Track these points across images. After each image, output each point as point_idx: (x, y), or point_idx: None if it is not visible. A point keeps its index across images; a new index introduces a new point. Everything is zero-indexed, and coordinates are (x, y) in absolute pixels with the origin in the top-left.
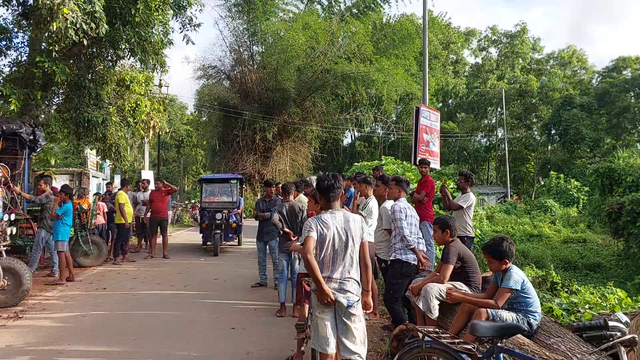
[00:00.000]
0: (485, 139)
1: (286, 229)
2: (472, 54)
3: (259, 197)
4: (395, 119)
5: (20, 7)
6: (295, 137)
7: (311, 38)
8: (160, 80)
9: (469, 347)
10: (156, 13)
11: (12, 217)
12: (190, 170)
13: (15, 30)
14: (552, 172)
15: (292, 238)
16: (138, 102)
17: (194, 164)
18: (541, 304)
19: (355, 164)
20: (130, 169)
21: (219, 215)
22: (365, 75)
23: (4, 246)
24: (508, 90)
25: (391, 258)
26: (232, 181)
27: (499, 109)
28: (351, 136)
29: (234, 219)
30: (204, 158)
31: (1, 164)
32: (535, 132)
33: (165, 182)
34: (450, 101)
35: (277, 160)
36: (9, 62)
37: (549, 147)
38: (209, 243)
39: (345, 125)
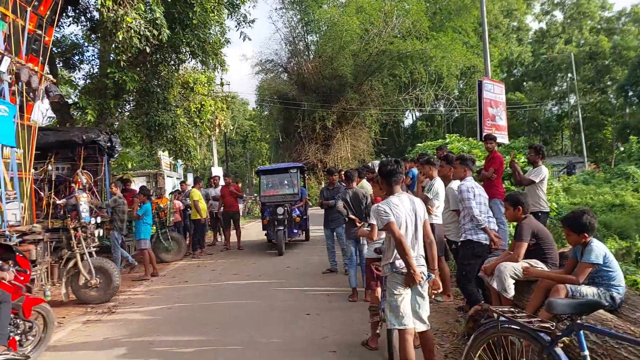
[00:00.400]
0: (556, 107)
1: (351, 216)
2: (536, 18)
3: (323, 186)
4: (457, 94)
5: (88, 23)
6: (355, 123)
7: (365, 21)
8: (222, 79)
9: (547, 325)
10: (212, 14)
11: (99, 220)
12: (256, 164)
13: (86, 44)
14: (631, 136)
15: (358, 224)
16: (202, 103)
17: (260, 158)
18: (625, 276)
19: (418, 144)
20: (200, 166)
21: (280, 210)
22: (423, 53)
23: (93, 247)
24: (577, 53)
25: (461, 239)
26: (292, 171)
27: (569, 75)
28: (412, 117)
29: (298, 212)
30: (269, 151)
31: (85, 171)
32: (611, 96)
33: (232, 190)
34: (515, 71)
35: (337, 147)
36: (83, 75)
37: (627, 110)
38: (273, 240)
39: (405, 106)
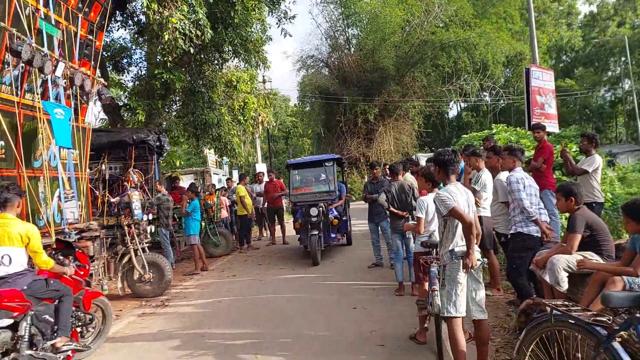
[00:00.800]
0: (609, 93)
1: (392, 208)
2: (586, 1)
3: (366, 180)
4: (503, 83)
5: (135, 26)
6: (397, 116)
7: (406, 11)
8: (264, 76)
9: (603, 319)
10: (253, 12)
11: (150, 216)
12: None
13: (133, 47)
14: None
15: (402, 216)
16: (245, 101)
17: (302, 153)
18: None
19: (464, 136)
20: (245, 163)
21: (314, 211)
22: (466, 41)
23: (146, 243)
24: (631, 36)
25: (511, 231)
26: (327, 164)
27: (622, 59)
28: (457, 107)
29: (335, 213)
30: (311, 146)
31: (136, 170)
32: None
33: (275, 185)
34: (565, 57)
35: (380, 141)
36: (132, 77)
37: None
38: (308, 249)
39: (449, 97)
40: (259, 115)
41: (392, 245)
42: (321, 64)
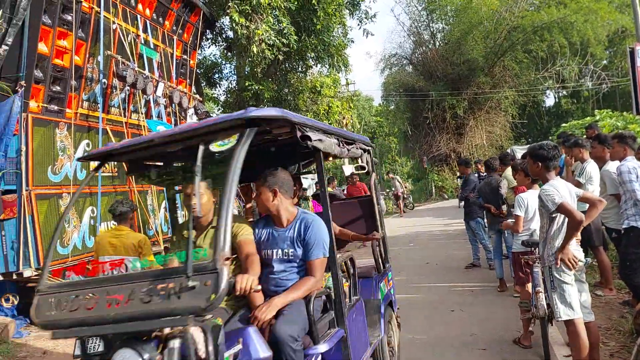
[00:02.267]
0: None
1: (486, 204)
2: None
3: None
4: (606, 63)
5: (224, 42)
6: (489, 108)
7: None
8: (347, 79)
9: None
10: (334, 17)
11: None
12: (386, 159)
13: (224, 62)
14: None
15: (494, 212)
16: (330, 105)
17: (389, 152)
18: None
19: (563, 125)
20: (332, 166)
21: None
22: (562, 21)
23: None
24: None
25: (624, 226)
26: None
27: None
28: (554, 95)
29: None
30: (397, 145)
31: None
32: None
33: (361, 189)
34: None
35: (471, 135)
36: (223, 90)
37: None
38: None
39: (544, 84)
40: (344, 117)
41: (489, 243)
42: (405, 61)
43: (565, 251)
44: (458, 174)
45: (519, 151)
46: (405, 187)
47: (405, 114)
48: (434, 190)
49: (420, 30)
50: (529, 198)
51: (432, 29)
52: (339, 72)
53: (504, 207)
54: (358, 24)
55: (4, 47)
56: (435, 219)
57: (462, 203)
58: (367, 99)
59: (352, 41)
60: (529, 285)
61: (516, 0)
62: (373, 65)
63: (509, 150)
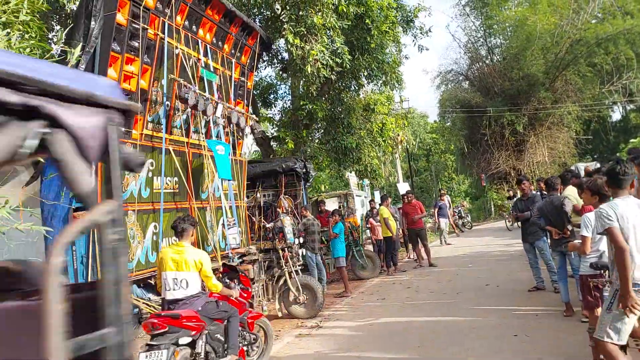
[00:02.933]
0: None
1: (547, 227)
2: None
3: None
4: None
5: (279, 64)
6: (550, 124)
7: (553, 12)
8: (401, 96)
9: None
10: (388, 35)
11: (301, 240)
12: (442, 177)
13: (279, 83)
14: None
15: (556, 236)
16: (384, 122)
17: (445, 170)
18: None
19: (632, 140)
20: (386, 184)
21: None
22: (629, 31)
23: (298, 265)
24: None
25: None
26: None
27: None
28: (621, 109)
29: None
30: (454, 162)
31: (286, 196)
32: None
33: (416, 207)
34: None
35: (532, 152)
36: (278, 110)
37: None
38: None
39: (610, 98)
40: (398, 135)
41: (553, 265)
42: (461, 77)
43: (627, 296)
44: (511, 193)
45: (584, 168)
46: (463, 206)
47: (461, 131)
48: (493, 209)
49: (477, 46)
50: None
51: (489, 44)
52: (392, 90)
53: (569, 227)
54: (412, 40)
55: None
56: (495, 238)
57: (515, 224)
58: (422, 115)
59: (407, 57)
60: (599, 310)
61: (578, 12)
62: (428, 82)
63: (572, 167)
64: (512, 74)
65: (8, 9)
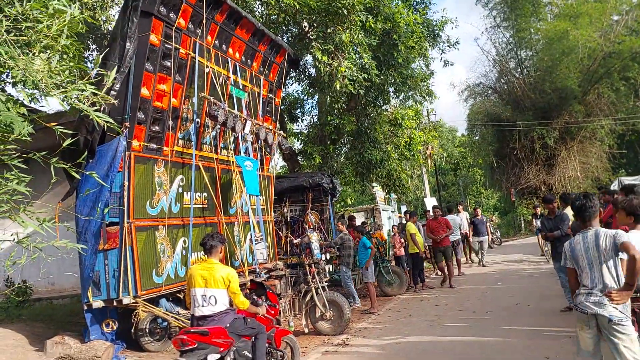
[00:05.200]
0: None
1: None
2: None
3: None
4: None
5: (307, 80)
6: (582, 138)
7: (585, 25)
8: (427, 109)
9: None
10: (414, 50)
11: (327, 256)
12: (470, 191)
13: (306, 98)
14: None
15: None
16: (411, 136)
17: (473, 184)
18: None
19: None
20: (413, 198)
21: None
22: None
23: (325, 282)
24: None
25: None
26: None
27: None
28: None
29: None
30: (482, 177)
31: (313, 211)
32: None
33: (442, 224)
34: None
35: (563, 166)
36: (306, 125)
37: None
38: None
39: None
40: (427, 148)
41: None
42: (489, 91)
43: (622, 294)
44: (538, 211)
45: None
46: (492, 221)
47: (490, 145)
48: (523, 225)
49: (507, 59)
50: (632, 239)
51: (519, 57)
52: (421, 104)
53: None
54: (440, 54)
55: (113, 92)
56: (526, 255)
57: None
58: (450, 129)
59: (432, 73)
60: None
61: (611, 25)
62: (455, 96)
63: (616, 182)
64: (543, 87)
65: (50, 33)
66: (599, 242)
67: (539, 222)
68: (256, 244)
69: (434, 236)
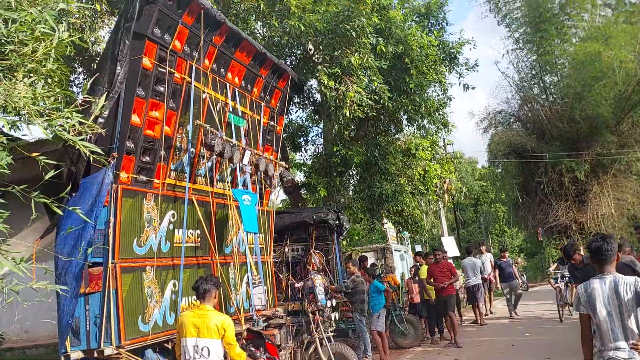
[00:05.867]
0: None
1: None
2: None
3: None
4: None
5: (311, 106)
6: (616, 171)
7: (619, 46)
8: (444, 140)
9: None
10: (429, 73)
11: (334, 302)
12: (493, 230)
13: (310, 125)
14: None
15: None
16: (426, 168)
17: (496, 222)
18: None
19: None
20: (429, 236)
21: None
22: None
23: (330, 331)
24: None
25: None
26: None
27: None
28: None
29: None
30: (506, 214)
31: (317, 251)
32: None
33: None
34: None
35: (596, 203)
36: (310, 155)
37: None
38: None
39: None
40: (444, 182)
41: None
42: (512, 119)
43: None
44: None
45: None
46: (517, 263)
47: (514, 178)
48: (552, 268)
49: (530, 85)
50: None
51: (543, 83)
52: (437, 133)
53: None
54: (458, 78)
55: (100, 120)
56: (555, 303)
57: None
58: (470, 161)
59: (450, 98)
60: None
61: None
62: (475, 125)
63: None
64: (572, 115)
65: (36, 57)
66: (618, 291)
67: (564, 270)
68: (254, 287)
69: (436, 283)
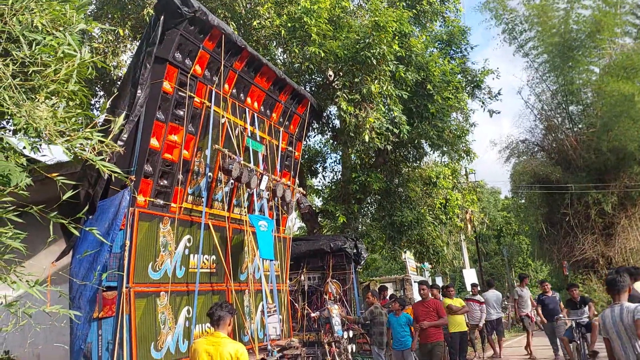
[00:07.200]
0: None
1: None
2: None
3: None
4: None
5: (330, 132)
6: None
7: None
8: (466, 168)
9: None
10: (451, 100)
11: (350, 333)
12: (516, 262)
13: (328, 151)
14: None
15: None
16: (448, 197)
17: (520, 254)
18: None
19: None
20: (450, 268)
21: None
22: None
23: None
24: None
25: None
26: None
27: None
28: None
29: None
30: (530, 246)
31: (334, 280)
32: None
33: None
34: None
35: (624, 236)
36: (328, 182)
37: None
38: None
39: None
40: (466, 212)
41: None
42: (536, 148)
43: None
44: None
45: None
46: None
47: (539, 210)
48: (562, 314)
49: (553, 114)
50: None
51: (568, 112)
52: (459, 161)
53: None
54: (481, 106)
55: (120, 142)
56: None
57: None
58: (492, 191)
59: (473, 125)
60: None
61: None
62: (496, 154)
63: None
64: (598, 146)
65: (58, 78)
66: (622, 317)
67: (581, 317)
68: (269, 316)
69: (417, 324)
